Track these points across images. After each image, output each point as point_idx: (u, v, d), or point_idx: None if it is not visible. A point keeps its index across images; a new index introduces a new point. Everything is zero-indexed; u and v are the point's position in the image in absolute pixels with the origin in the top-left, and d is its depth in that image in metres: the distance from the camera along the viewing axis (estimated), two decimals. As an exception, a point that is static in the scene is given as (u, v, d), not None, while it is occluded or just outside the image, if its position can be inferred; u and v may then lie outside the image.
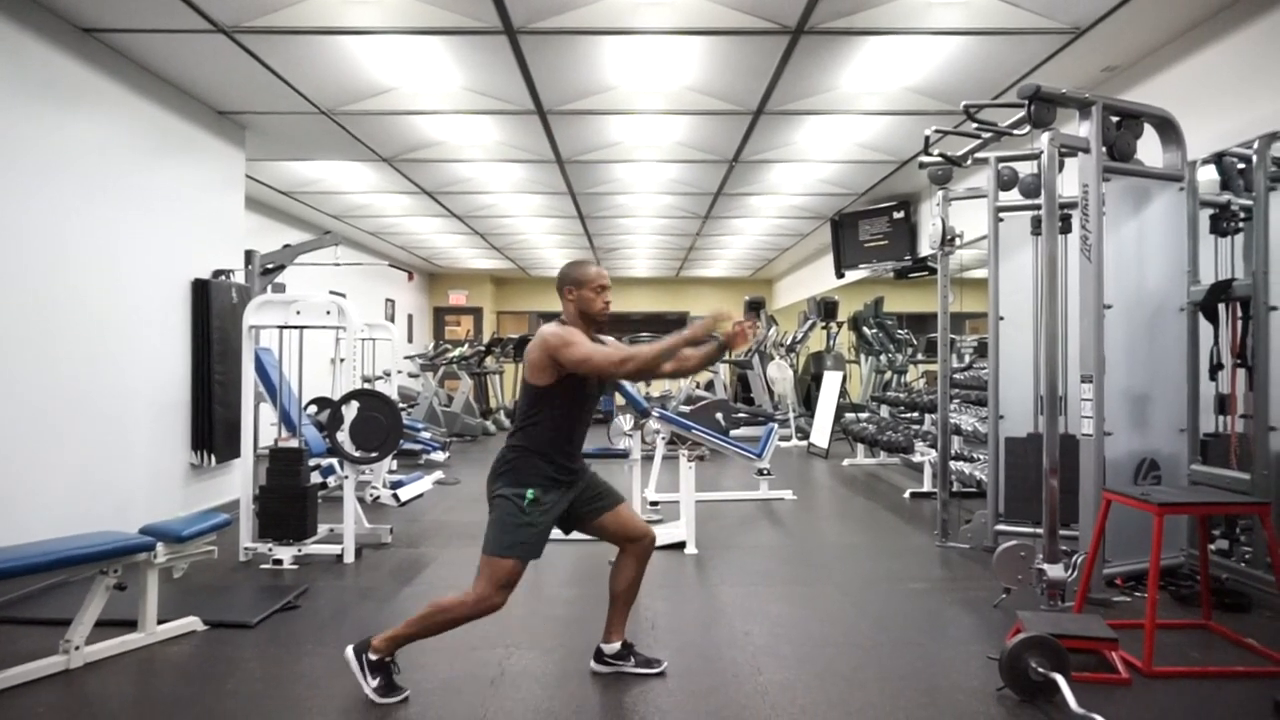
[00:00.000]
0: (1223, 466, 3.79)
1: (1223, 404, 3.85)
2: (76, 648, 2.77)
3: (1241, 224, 3.81)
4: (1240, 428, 3.77)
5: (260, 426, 4.55)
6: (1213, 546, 3.65)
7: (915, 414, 7.49)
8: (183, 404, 5.21)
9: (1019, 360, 4.32)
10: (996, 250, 4.36)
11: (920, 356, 9.30)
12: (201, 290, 5.33)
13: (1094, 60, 4.62)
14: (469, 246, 11.73)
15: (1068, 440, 3.44)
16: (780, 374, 10.09)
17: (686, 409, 7.80)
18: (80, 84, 4.32)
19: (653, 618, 3.36)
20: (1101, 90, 4.57)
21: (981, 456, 5.25)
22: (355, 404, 4.28)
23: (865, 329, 9.77)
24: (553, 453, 2.56)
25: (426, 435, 8.21)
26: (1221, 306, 3.80)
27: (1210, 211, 3.92)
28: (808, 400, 10.84)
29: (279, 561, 4.09)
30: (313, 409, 6.13)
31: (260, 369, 4.67)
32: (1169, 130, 3.77)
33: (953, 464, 5.07)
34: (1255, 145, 3.61)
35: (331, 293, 6.55)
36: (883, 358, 9.66)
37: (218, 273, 5.54)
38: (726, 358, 11.34)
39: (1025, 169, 4.30)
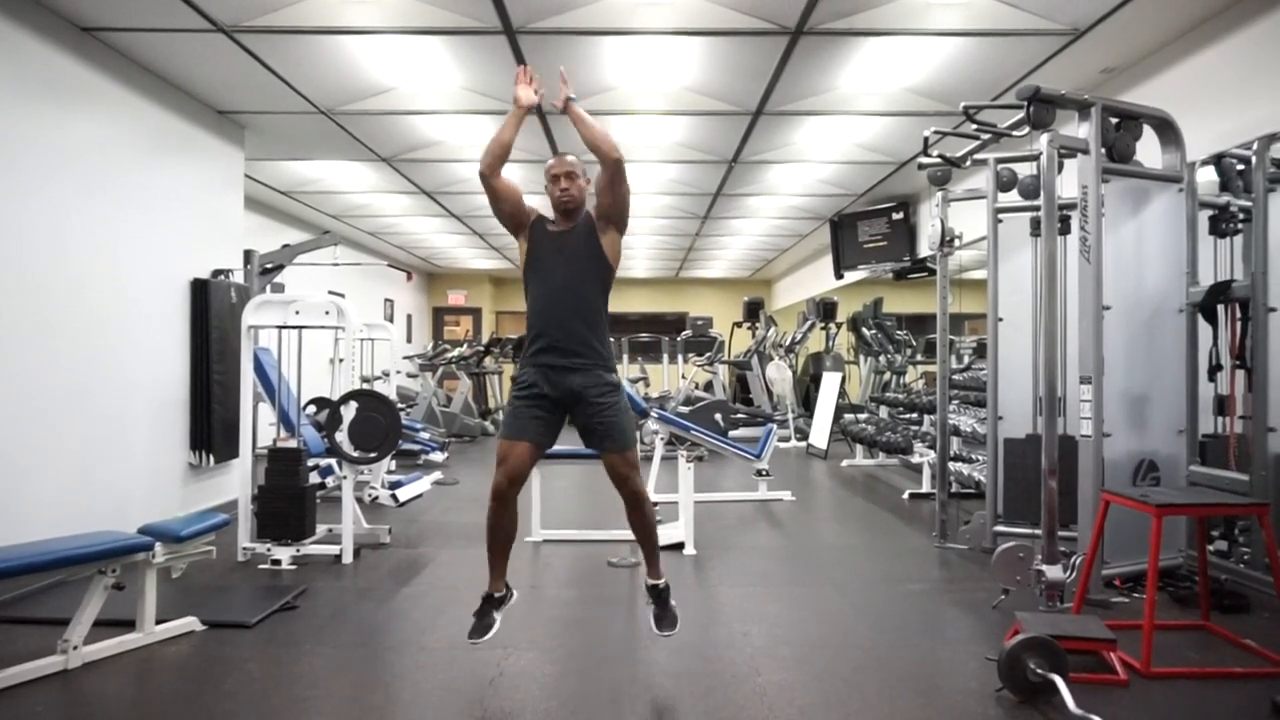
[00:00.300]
0: (1221, 468, 3.80)
1: (1221, 405, 3.86)
2: (75, 647, 2.76)
3: (1240, 225, 3.81)
4: (1239, 429, 3.78)
5: (259, 426, 4.55)
6: (1211, 547, 3.65)
7: (914, 415, 7.49)
8: (181, 403, 5.21)
9: (1018, 361, 4.32)
10: (995, 251, 4.36)
11: (919, 357, 9.30)
12: (200, 290, 5.33)
13: (1093, 61, 4.63)
14: (468, 246, 11.73)
15: (1066, 441, 3.44)
16: (779, 375, 10.08)
17: (685, 409, 7.80)
18: (80, 83, 4.32)
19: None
20: (1100, 91, 4.58)
21: (980, 457, 5.25)
22: (354, 404, 4.27)
23: (864, 330, 9.78)
24: (529, 337, 2.75)
25: (425, 435, 8.21)
26: (1220, 308, 3.80)
27: (1209, 213, 3.92)
28: (807, 401, 10.84)
29: (277, 562, 4.08)
30: (311, 409, 6.12)
31: (259, 369, 4.67)
32: (1168, 131, 3.77)
33: (951, 465, 5.06)
34: (1254, 146, 3.62)
35: (330, 293, 6.54)
36: (882, 359, 9.66)
37: (217, 272, 5.54)
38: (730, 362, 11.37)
39: (1024, 170, 4.30)
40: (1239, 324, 3.73)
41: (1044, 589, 3.09)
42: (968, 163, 4.19)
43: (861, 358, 10.20)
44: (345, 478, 4.29)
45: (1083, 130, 3.42)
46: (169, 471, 5.07)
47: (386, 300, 12.76)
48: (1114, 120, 3.56)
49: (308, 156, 6.91)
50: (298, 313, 4.32)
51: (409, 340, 13.73)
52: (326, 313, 4.34)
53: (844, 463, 7.98)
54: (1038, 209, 4.03)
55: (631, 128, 6.02)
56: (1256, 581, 3.48)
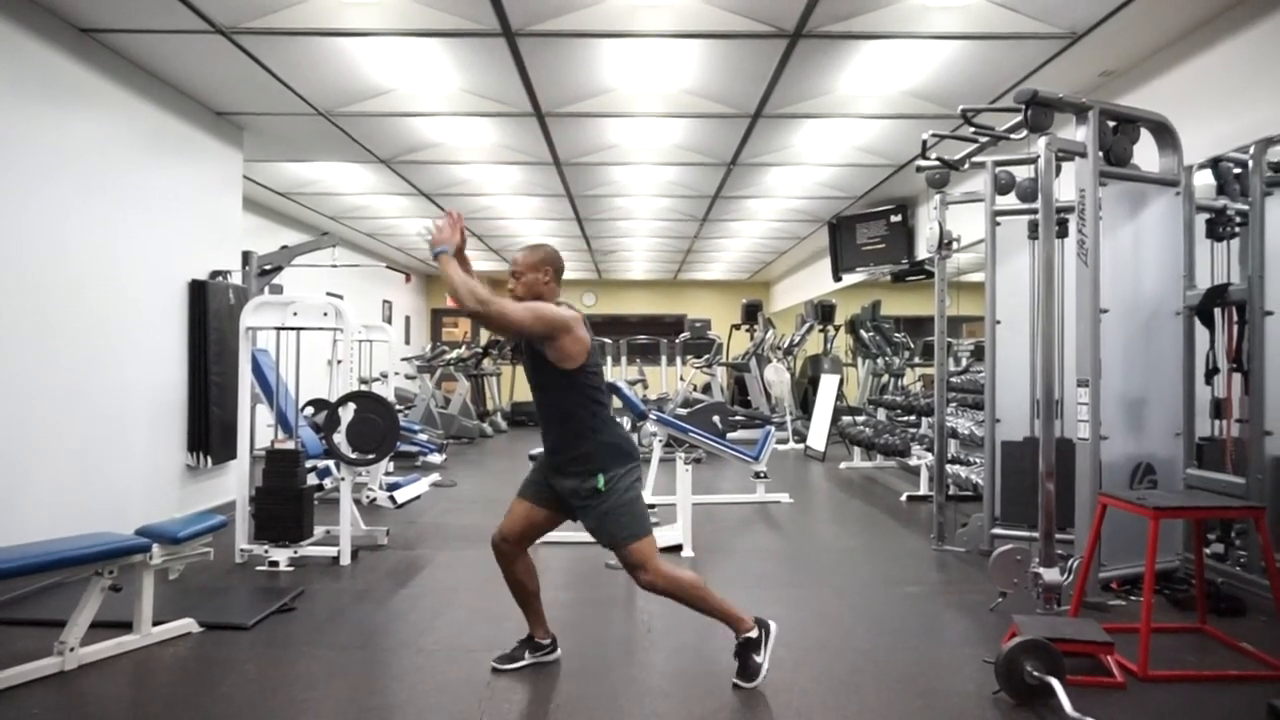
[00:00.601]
0: (1218, 471, 3.80)
1: (1218, 408, 3.86)
2: (71, 649, 2.75)
3: (1237, 229, 3.82)
4: (1236, 432, 3.78)
5: (257, 428, 4.54)
6: (1208, 550, 3.65)
7: (912, 417, 7.50)
8: (179, 405, 5.20)
9: (1015, 364, 4.32)
10: (993, 254, 4.37)
11: (917, 360, 9.31)
12: (199, 291, 5.32)
13: (1091, 65, 4.64)
14: (467, 248, 11.72)
15: (1064, 444, 3.44)
16: (777, 377, 10.09)
17: (683, 411, 7.80)
18: (79, 84, 4.32)
19: (649, 620, 3.35)
20: (1098, 95, 4.60)
21: (978, 460, 5.25)
22: (352, 406, 4.27)
23: (862, 332, 9.79)
24: None
25: (423, 437, 8.20)
26: (1217, 311, 3.81)
27: (1206, 216, 3.93)
28: (805, 403, 10.85)
29: (275, 563, 4.07)
30: (309, 410, 6.12)
31: (257, 370, 4.67)
32: (1165, 135, 3.78)
33: (949, 467, 5.07)
34: (1251, 150, 3.63)
35: (329, 294, 6.56)
36: (880, 361, 9.67)
37: (215, 273, 5.54)
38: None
39: (1022, 173, 4.30)
40: (1236, 327, 3.74)
41: (1041, 591, 3.09)
42: (966, 166, 4.20)
43: (859, 360, 10.21)
44: (343, 479, 4.28)
45: (1080, 133, 3.43)
46: (167, 473, 5.07)
47: (385, 302, 12.76)
48: (1111, 124, 3.56)
49: (306, 158, 6.91)
50: (296, 314, 4.31)
51: (407, 342, 13.73)
52: (325, 314, 4.33)
53: (842, 465, 7.98)
54: (1035, 212, 4.03)
55: (630, 130, 6.03)
56: (1253, 585, 3.48)
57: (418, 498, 5.34)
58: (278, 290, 7.83)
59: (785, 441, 9.53)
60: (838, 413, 8.77)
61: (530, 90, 5.11)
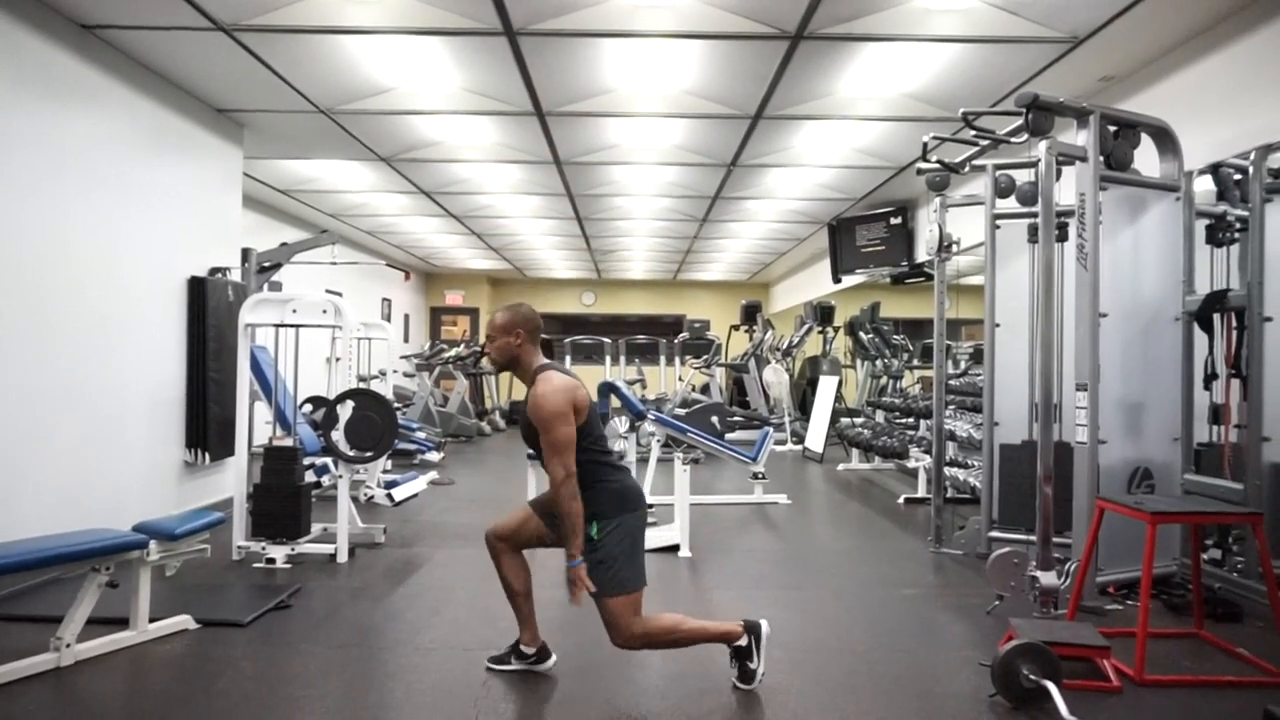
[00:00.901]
0: (1216, 476, 3.80)
1: (1217, 414, 3.86)
2: (68, 645, 2.76)
3: (1237, 235, 3.82)
4: (1234, 438, 3.78)
5: (255, 425, 4.54)
6: (1205, 556, 3.66)
7: (910, 419, 7.50)
8: (177, 401, 5.19)
9: (1014, 367, 4.33)
10: (993, 257, 4.37)
11: (916, 362, 9.31)
12: (198, 288, 5.32)
13: (1092, 69, 4.64)
14: (466, 247, 11.72)
15: (1062, 448, 3.44)
16: (776, 378, 10.09)
17: (682, 412, 7.80)
18: (80, 81, 4.31)
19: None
20: (1099, 99, 4.60)
21: (976, 463, 5.26)
22: (350, 403, 4.27)
23: (861, 334, 9.78)
24: None
25: (421, 435, 8.20)
26: (1216, 317, 3.81)
27: (1206, 222, 3.93)
28: (803, 405, 10.85)
29: (272, 560, 4.08)
30: (308, 408, 6.12)
31: (255, 367, 4.66)
32: (1166, 140, 3.78)
33: (947, 470, 5.07)
34: (1251, 156, 3.63)
35: (328, 291, 6.55)
36: (878, 363, 9.67)
37: (214, 270, 5.53)
38: (723, 362, 11.38)
39: (1023, 177, 4.31)
40: (1235, 333, 3.74)
41: (1038, 595, 3.09)
42: (966, 169, 4.20)
43: (858, 362, 10.20)
44: (341, 477, 4.28)
45: (1081, 138, 3.43)
46: (164, 469, 5.06)
47: (384, 300, 12.75)
48: (1112, 128, 3.56)
49: (306, 155, 6.90)
50: (295, 311, 4.32)
51: (406, 340, 13.72)
52: (324, 311, 4.33)
53: (840, 467, 7.99)
54: (1035, 216, 4.03)
55: (630, 130, 6.02)
56: (1250, 590, 3.48)
57: (415, 496, 5.34)
58: (277, 287, 7.83)
59: (783, 443, 9.54)
60: (836, 414, 8.77)
61: (531, 89, 5.11)
